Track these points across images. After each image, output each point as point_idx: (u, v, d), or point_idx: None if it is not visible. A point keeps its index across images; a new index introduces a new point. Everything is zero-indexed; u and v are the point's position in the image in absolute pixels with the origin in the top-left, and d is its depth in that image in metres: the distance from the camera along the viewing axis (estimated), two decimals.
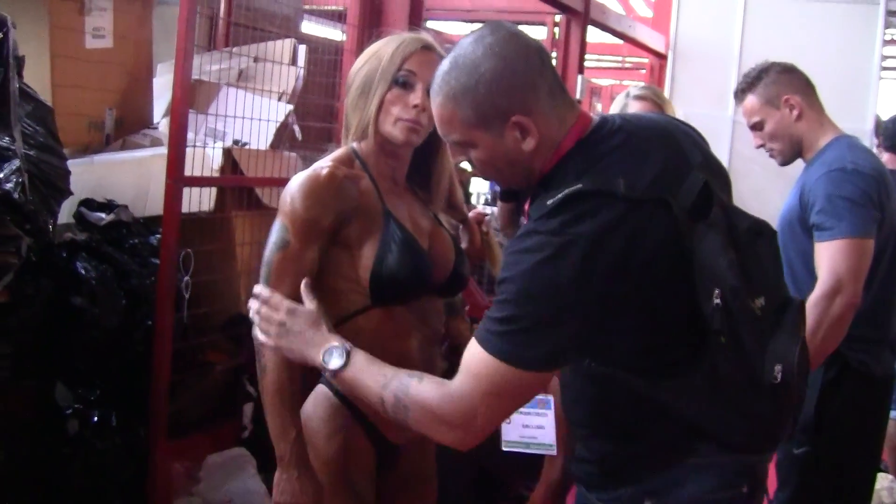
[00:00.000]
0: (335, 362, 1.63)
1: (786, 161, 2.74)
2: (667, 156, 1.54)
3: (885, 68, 8.42)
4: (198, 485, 3.18)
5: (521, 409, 1.95)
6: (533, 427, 2.22)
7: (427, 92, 1.85)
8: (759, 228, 1.63)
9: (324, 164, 1.89)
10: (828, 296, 2.43)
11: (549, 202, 1.45)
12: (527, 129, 1.51)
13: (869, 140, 6.28)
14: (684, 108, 6.16)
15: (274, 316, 1.72)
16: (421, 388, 1.54)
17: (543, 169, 1.55)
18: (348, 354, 1.63)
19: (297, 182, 1.86)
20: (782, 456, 2.60)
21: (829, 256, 2.46)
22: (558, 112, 1.54)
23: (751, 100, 2.72)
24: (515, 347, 1.46)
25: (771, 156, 2.76)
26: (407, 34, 1.96)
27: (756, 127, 2.73)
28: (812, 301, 2.40)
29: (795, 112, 2.66)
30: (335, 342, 1.66)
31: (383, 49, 1.92)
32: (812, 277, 2.50)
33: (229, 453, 3.31)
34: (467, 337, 3.85)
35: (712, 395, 1.51)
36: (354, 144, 1.95)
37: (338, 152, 1.95)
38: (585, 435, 1.67)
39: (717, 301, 1.46)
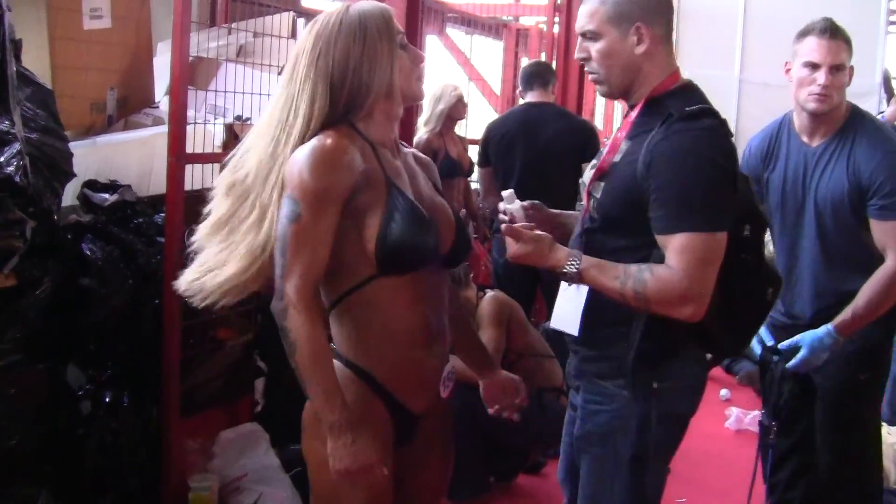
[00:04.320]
0: (571, 268, 1.93)
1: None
2: None
3: (892, 23, 8.30)
4: (212, 461, 3.21)
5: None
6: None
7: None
8: None
9: (327, 135, 1.85)
10: None
11: (688, 108, 1.89)
12: (643, 36, 1.96)
13: (878, 95, 6.22)
14: (690, 69, 6.08)
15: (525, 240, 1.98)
16: (656, 276, 1.86)
17: (654, 90, 1.98)
18: (579, 262, 1.93)
19: (303, 153, 1.82)
20: (845, 378, 2.84)
21: None
22: (668, 50, 2.02)
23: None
24: (698, 216, 1.84)
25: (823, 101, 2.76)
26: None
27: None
28: (887, 272, 2.68)
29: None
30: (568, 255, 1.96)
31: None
32: (851, 249, 2.76)
33: (242, 429, 3.33)
34: (475, 304, 3.80)
35: (720, 308, 1.91)
36: (350, 118, 1.93)
37: (334, 127, 1.90)
38: (607, 336, 2.01)
39: (747, 233, 2.01)
